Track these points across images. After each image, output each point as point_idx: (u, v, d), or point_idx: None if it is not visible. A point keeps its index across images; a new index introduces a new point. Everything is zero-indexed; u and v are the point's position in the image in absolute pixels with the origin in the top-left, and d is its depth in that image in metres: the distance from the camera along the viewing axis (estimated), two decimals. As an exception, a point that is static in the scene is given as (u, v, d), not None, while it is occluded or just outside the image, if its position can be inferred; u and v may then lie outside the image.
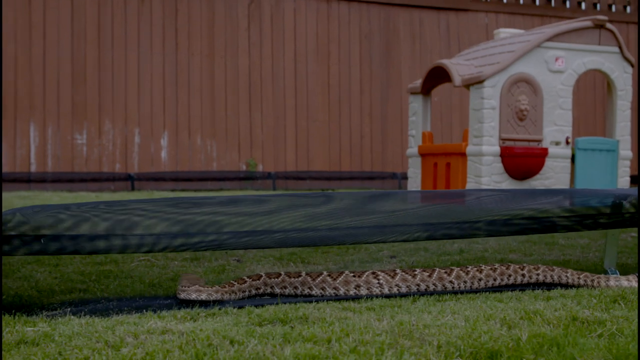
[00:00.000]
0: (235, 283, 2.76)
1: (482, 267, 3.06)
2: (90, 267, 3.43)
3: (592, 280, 3.08)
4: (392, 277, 2.88)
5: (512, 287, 3.05)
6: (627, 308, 2.59)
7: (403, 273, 2.91)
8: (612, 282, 3.07)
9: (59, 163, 11.11)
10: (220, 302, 2.63)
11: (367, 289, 2.84)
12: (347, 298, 2.78)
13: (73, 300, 2.70)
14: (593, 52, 7.82)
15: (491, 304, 2.64)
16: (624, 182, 7.97)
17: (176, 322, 2.33)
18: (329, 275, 2.85)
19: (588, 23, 7.81)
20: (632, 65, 8.00)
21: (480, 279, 3.03)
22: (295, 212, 2.64)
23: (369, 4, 12.67)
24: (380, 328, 2.27)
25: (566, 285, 3.10)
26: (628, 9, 14.08)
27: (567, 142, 7.76)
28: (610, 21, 7.82)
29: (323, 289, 2.84)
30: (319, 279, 2.84)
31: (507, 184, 7.61)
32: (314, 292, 2.83)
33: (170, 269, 3.42)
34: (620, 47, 7.89)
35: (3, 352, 2.06)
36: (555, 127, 7.72)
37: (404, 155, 12.56)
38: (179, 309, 2.52)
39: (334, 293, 2.83)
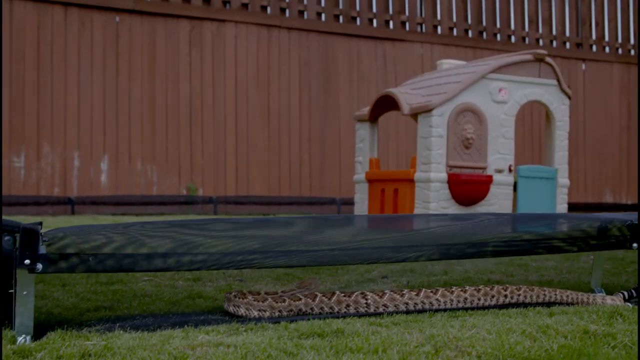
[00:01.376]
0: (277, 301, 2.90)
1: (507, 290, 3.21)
2: (99, 286, 3.48)
3: (588, 298, 3.30)
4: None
5: (516, 305, 3.24)
6: (626, 323, 2.81)
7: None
8: (603, 301, 3.30)
9: (-6, 186, 10.92)
10: (257, 318, 2.75)
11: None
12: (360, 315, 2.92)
13: (109, 317, 2.77)
14: (533, 84, 8.18)
15: (503, 319, 2.83)
16: (562, 208, 8.33)
17: (223, 336, 2.43)
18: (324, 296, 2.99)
19: (529, 57, 8.18)
20: (569, 98, 8.39)
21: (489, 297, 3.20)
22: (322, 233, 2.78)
23: (308, 32, 12.89)
24: (416, 340, 2.42)
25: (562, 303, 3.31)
26: (554, 43, 14.69)
27: (510, 170, 8.08)
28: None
29: (322, 308, 2.97)
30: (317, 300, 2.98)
31: (454, 209, 7.87)
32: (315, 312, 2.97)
33: (181, 288, 3.50)
34: (558, 80, 8.27)
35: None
36: (499, 155, 8.03)
37: (342, 181, 12.77)
38: (218, 324, 2.62)
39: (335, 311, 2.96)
